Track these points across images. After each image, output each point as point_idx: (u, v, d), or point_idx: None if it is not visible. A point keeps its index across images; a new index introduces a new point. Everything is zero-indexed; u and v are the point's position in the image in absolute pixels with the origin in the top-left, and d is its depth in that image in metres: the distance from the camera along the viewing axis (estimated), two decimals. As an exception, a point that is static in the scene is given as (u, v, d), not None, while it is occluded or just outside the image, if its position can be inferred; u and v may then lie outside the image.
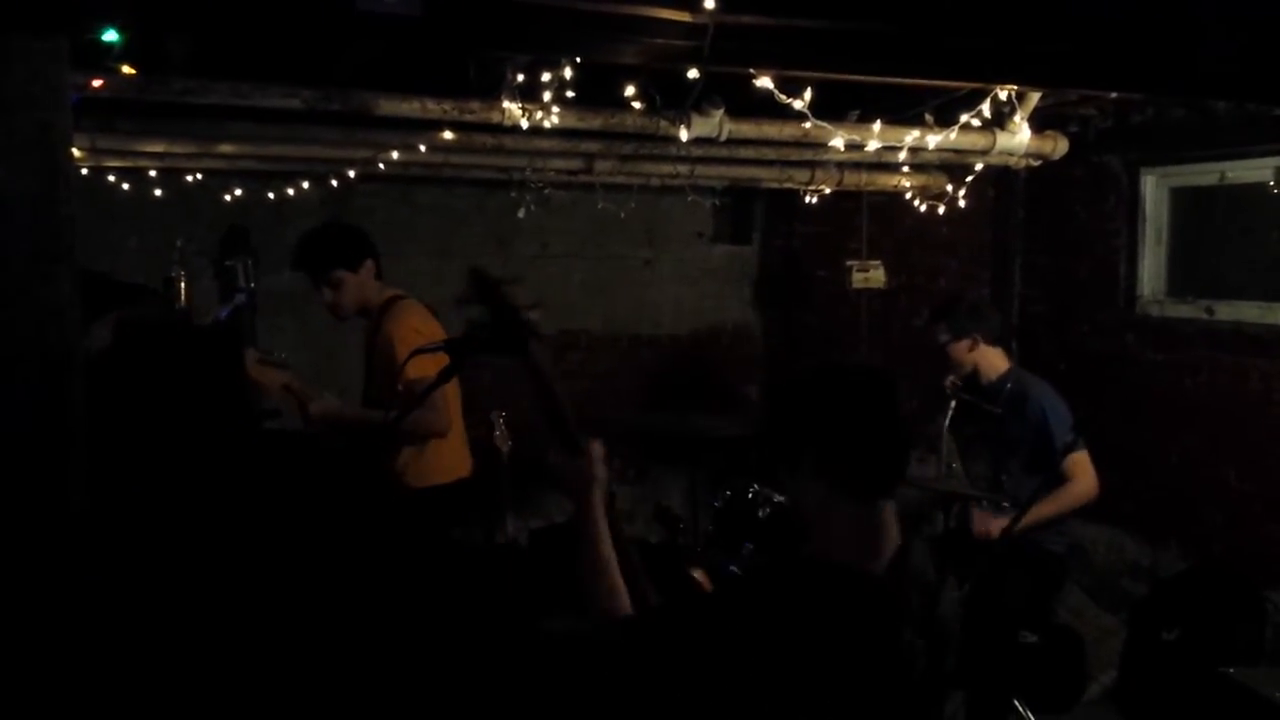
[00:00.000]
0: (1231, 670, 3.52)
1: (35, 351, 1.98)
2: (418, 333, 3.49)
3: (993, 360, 4.23)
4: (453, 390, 3.67)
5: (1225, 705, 3.47)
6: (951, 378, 4.19)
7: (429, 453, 3.65)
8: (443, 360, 3.15)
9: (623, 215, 5.70)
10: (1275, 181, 4.55)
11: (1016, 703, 3.81)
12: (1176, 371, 5.05)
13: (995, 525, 3.87)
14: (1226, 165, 4.91)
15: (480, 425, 3.74)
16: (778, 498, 3.91)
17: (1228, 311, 4.92)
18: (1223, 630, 4.37)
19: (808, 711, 1.66)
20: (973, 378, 4.21)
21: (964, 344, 4.20)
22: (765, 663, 1.66)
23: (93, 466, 2.01)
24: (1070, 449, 3.99)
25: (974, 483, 4.24)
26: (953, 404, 4.11)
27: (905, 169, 5.34)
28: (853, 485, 1.77)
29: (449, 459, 3.73)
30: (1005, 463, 4.13)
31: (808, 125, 3.89)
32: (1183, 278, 5.26)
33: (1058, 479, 4.03)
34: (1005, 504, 3.97)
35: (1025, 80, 3.67)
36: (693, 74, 3.09)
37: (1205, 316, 5.01)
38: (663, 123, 4.14)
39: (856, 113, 4.44)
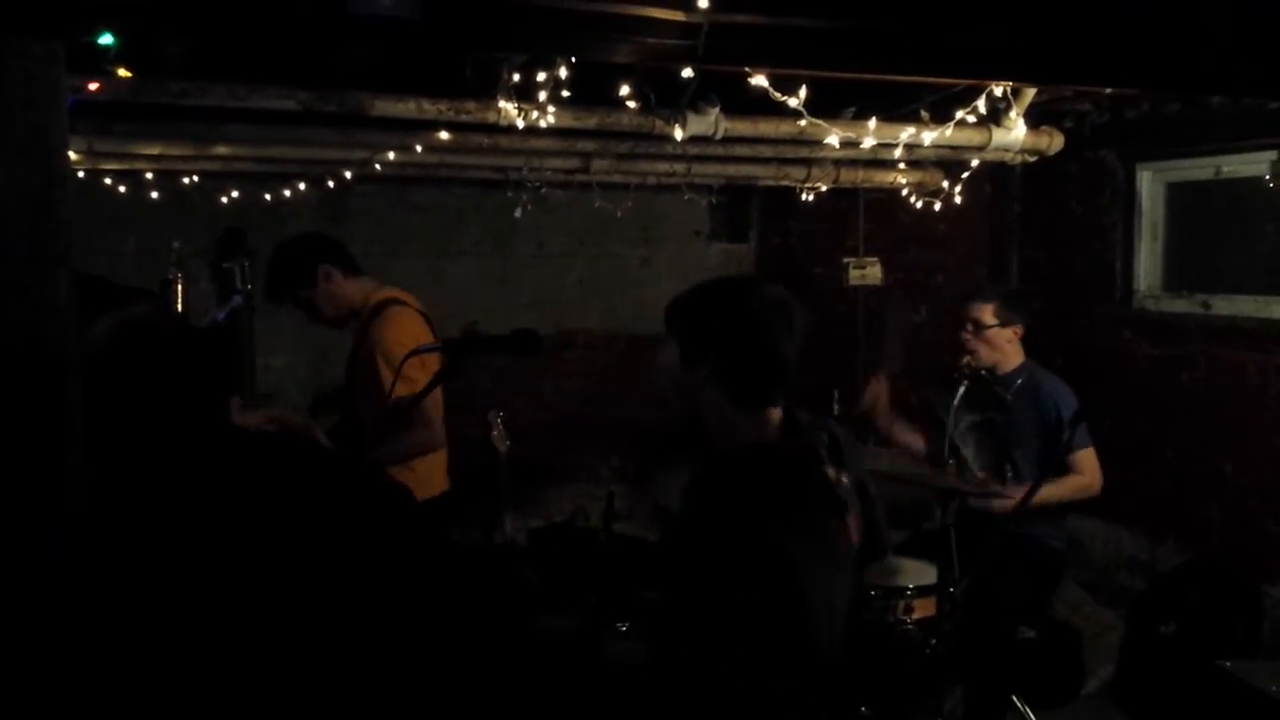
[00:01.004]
0: (1228, 664, 3.54)
1: (32, 354, 1.98)
2: (402, 346, 3.21)
3: (1017, 351, 4.22)
4: (435, 404, 3.55)
5: (1222, 699, 3.48)
6: (968, 359, 4.15)
7: (409, 472, 3.49)
8: (432, 369, 3.11)
9: (619, 214, 5.70)
10: (1271, 175, 4.55)
11: (1015, 698, 3.82)
12: (1173, 366, 5.06)
13: (1006, 503, 3.83)
14: (1222, 159, 4.92)
15: (478, 425, 3.74)
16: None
17: (1224, 306, 4.93)
18: (1220, 624, 4.38)
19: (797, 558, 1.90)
20: (989, 366, 4.18)
21: (1007, 333, 4.17)
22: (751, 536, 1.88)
23: (90, 469, 2.02)
24: (1078, 445, 4.00)
25: (976, 472, 4.24)
26: (964, 386, 4.09)
27: (901, 165, 5.35)
28: (744, 396, 2.05)
29: (433, 474, 3.62)
30: (1011, 454, 4.12)
31: (803, 123, 3.89)
32: (1179, 272, 5.27)
33: (1062, 474, 4.04)
34: (1006, 495, 3.98)
35: (1022, 76, 3.67)
36: (687, 73, 3.10)
37: (1201, 311, 5.02)
38: (658, 121, 4.15)
39: (852, 110, 4.45)
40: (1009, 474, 4.12)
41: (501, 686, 2.24)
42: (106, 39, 2.57)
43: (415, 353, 2.89)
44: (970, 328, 4.16)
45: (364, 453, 3.36)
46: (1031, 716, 3.80)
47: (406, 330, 3.50)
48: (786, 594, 1.90)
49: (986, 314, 4.14)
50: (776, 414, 2.10)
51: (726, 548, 1.89)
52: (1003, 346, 4.17)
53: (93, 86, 3.24)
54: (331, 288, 3.60)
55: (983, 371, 4.13)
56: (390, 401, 3.18)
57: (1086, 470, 4.04)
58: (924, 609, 3.68)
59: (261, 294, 3.61)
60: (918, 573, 3.85)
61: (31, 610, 1.92)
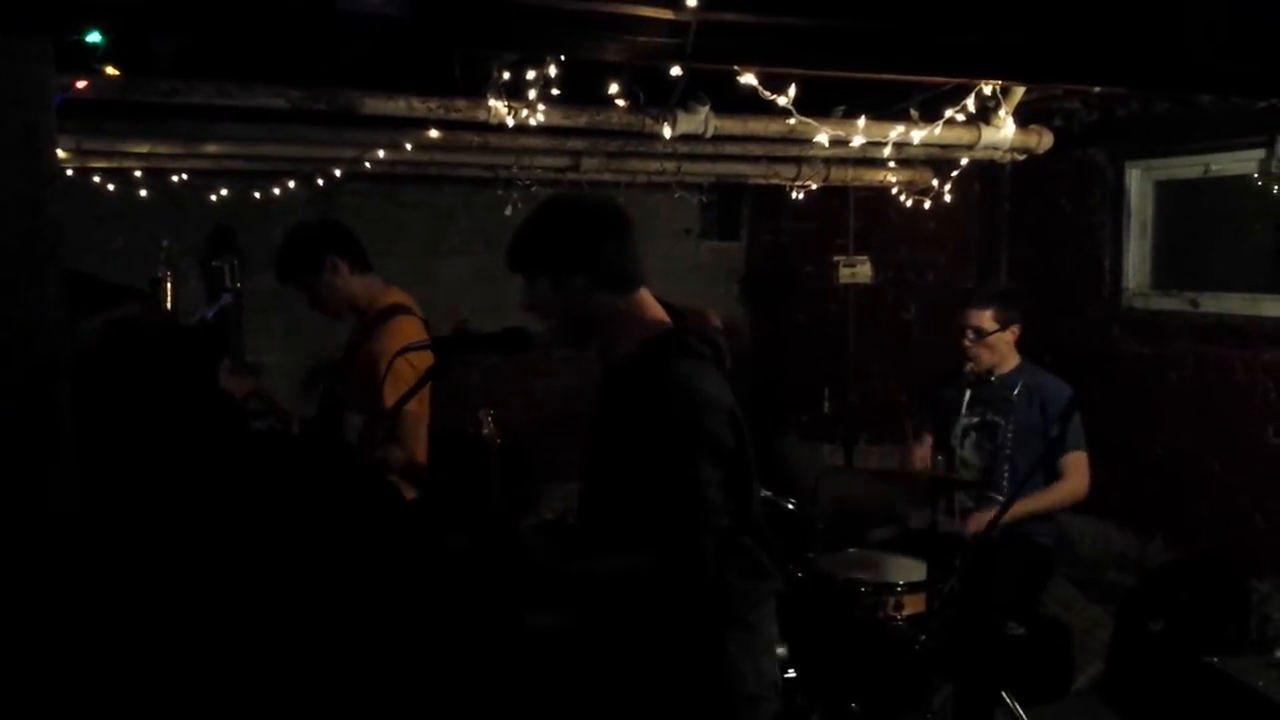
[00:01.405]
0: (1216, 660, 3.55)
1: (21, 354, 1.98)
2: (407, 361, 3.18)
3: (1014, 351, 4.22)
4: (422, 411, 3.53)
5: (1210, 695, 3.50)
6: (970, 365, 4.15)
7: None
8: (424, 397, 3.09)
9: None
10: (1259, 173, 4.57)
11: (1005, 695, 3.83)
12: (1162, 364, 5.08)
13: (980, 521, 3.88)
14: (1210, 158, 4.93)
15: (469, 423, 3.75)
16: (763, 493, 3.92)
17: (1212, 304, 4.95)
18: (1208, 620, 4.40)
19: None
20: (990, 368, 4.18)
21: (1007, 335, 4.16)
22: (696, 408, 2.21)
23: (80, 470, 2.01)
24: (1070, 446, 4.01)
25: (967, 475, 4.24)
26: (968, 394, 4.08)
27: (891, 164, 5.36)
28: (624, 285, 2.35)
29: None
30: (1011, 456, 4.11)
31: (793, 121, 3.89)
32: (1167, 270, 5.29)
33: (1054, 474, 4.05)
34: (999, 497, 3.99)
35: (1009, 75, 3.68)
36: (676, 71, 3.10)
37: (1190, 309, 5.04)
38: (648, 120, 4.14)
39: (842, 109, 4.45)
40: (1005, 476, 4.12)
41: (488, 681, 2.25)
42: (95, 37, 2.57)
43: (406, 350, 2.89)
44: (971, 335, 4.15)
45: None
46: (1021, 713, 3.82)
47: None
48: (742, 447, 2.26)
49: (986, 319, 4.14)
50: (649, 295, 2.40)
51: (699, 415, 2.20)
52: (1002, 349, 4.17)
53: (81, 85, 3.23)
54: (336, 280, 3.56)
55: (991, 379, 4.14)
56: (382, 408, 3.16)
57: (1075, 475, 4.04)
58: (914, 605, 3.69)
59: (274, 273, 3.61)
60: (907, 569, 3.86)
61: (21, 611, 1.92)
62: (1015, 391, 4.13)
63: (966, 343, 4.16)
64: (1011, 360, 4.21)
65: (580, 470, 2.54)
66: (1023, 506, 3.89)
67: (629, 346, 2.36)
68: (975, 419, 4.21)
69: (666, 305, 2.44)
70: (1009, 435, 4.13)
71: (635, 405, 2.27)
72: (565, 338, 2.42)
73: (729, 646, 2.28)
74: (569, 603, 2.40)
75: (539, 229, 2.40)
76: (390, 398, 3.02)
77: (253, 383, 3.40)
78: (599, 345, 2.43)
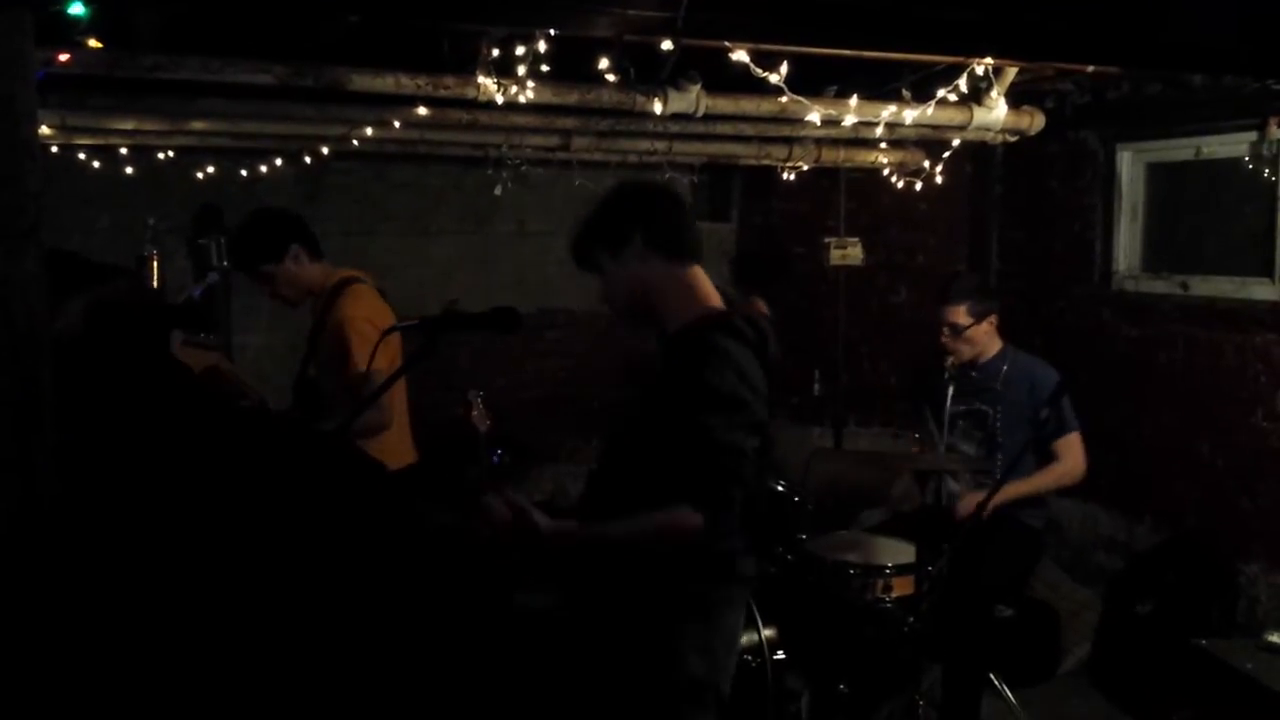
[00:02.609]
0: (1204, 642, 3.57)
1: (2, 331, 1.95)
2: (369, 322, 3.39)
3: (995, 338, 4.20)
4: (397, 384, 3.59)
5: (1198, 676, 3.51)
6: (951, 359, 4.12)
7: (370, 445, 3.50)
8: (395, 357, 3.12)
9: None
10: (1250, 156, 4.56)
11: (993, 676, 3.84)
12: (1151, 347, 5.08)
13: (973, 500, 3.86)
14: (1202, 140, 4.92)
15: (458, 404, 3.74)
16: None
17: (1202, 287, 4.94)
18: (1196, 603, 4.41)
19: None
20: (972, 359, 4.16)
21: (984, 326, 4.13)
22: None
23: (63, 451, 1.99)
24: (1064, 429, 4.00)
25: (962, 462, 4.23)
26: (952, 387, 4.06)
27: (883, 145, 5.34)
28: (676, 249, 2.41)
29: (393, 446, 3.61)
30: (1002, 442, 4.09)
31: (785, 100, 3.87)
32: (1158, 253, 5.28)
33: (1048, 457, 4.04)
34: (990, 481, 3.98)
35: (1001, 53, 3.66)
36: (667, 45, 3.07)
37: (1180, 292, 5.03)
38: (639, 98, 4.11)
39: (834, 88, 4.43)
40: (997, 462, 4.11)
41: (476, 660, 2.24)
42: (77, 9, 2.53)
43: (392, 330, 2.90)
44: (947, 331, 4.13)
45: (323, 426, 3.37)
46: (1009, 694, 3.83)
47: (373, 307, 3.58)
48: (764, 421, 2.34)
49: (961, 315, 4.11)
50: (704, 275, 2.46)
51: (732, 381, 2.26)
52: (981, 339, 4.15)
53: (63, 58, 3.18)
54: (296, 269, 3.63)
55: (972, 374, 4.12)
56: (355, 371, 3.20)
57: (1069, 457, 4.03)
58: (903, 587, 3.69)
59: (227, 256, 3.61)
60: (896, 551, 3.86)
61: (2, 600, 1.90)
62: (1000, 378, 4.12)
63: (944, 339, 4.15)
64: (993, 348, 4.19)
65: (608, 442, 2.54)
66: (1018, 487, 3.88)
67: (684, 319, 2.40)
68: (962, 407, 4.20)
69: (721, 293, 2.50)
70: (998, 422, 4.12)
71: (676, 373, 2.32)
72: (626, 312, 2.48)
73: (687, 633, 2.32)
74: (584, 570, 2.40)
75: (596, 211, 2.48)
76: (362, 362, 3.07)
77: (211, 358, 3.37)
78: (658, 319, 2.46)
